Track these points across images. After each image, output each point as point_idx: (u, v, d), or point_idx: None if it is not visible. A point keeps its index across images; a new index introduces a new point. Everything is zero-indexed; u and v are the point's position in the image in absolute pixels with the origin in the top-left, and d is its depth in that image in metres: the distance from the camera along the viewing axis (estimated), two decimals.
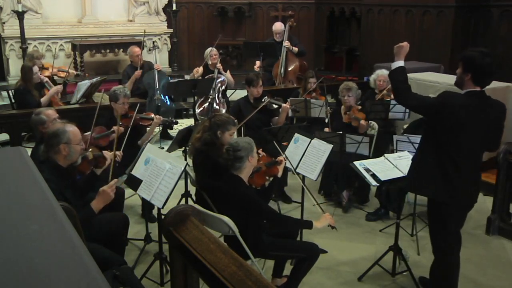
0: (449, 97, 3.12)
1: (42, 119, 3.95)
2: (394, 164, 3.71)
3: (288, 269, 3.70)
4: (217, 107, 6.52)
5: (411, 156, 3.69)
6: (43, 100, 5.81)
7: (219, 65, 6.68)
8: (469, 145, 3.12)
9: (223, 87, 6.68)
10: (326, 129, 5.37)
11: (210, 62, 6.82)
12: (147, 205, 4.30)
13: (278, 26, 7.59)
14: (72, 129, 3.30)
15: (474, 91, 3.07)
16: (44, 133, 3.86)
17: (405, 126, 5.30)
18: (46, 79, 6.24)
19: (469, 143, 3.11)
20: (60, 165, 3.21)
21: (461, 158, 3.11)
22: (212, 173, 3.92)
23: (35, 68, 5.87)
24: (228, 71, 6.90)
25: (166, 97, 6.81)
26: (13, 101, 6.42)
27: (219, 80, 6.59)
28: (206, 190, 3.86)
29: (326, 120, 5.75)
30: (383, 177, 3.61)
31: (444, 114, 3.07)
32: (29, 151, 4.89)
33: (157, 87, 6.64)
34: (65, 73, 6.78)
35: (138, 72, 6.67)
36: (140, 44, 7.18)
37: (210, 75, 6.66)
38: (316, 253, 3.45)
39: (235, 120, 4.22)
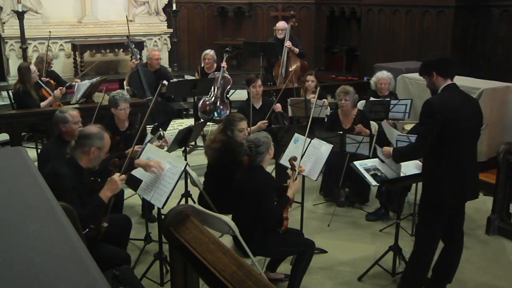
0: (434, 102, 3.20)
1: (66, 118, 3.93)
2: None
3: (288, 269, 3.71)
4: (221, 107, 6.53)
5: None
6: (42, 104, 5.79)
7: (223, 64, 6.69)
8: (467, 142, 3.24)
9: (228, 86, 6.68)
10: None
11: (203, 65, 6.83)
12: (147, 205, 4.30)
13: (281, 23, 7.68)
14: (107, 138, 3.34)
15: (449, 85, 3.22)
16: (65, 132, 3.93)
17: (405, 126, 5.29)
18: (47, 79, 6.23)
19: (466, 140, 3.24)
20: (80, 165, 3.24)
21: (464, 157, 3.23)
22: (229, 170, 3.91)
23: (32, 67, 5.84)
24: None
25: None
26: (13, 101, 6.41)
27: (223, 77, 6.58)
28: (220, 189, 3.90)
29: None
30: (384, 176, 3.63)
31: (444, 116, 3.13)
32: (29, 151, 4.90)
33: (146, 87, 6.52)
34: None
35: (133, 63, 6.63)
36: (142, 44, 7.11)
37: (216, 72, 6.67)
38: (313, 248, 3.56)
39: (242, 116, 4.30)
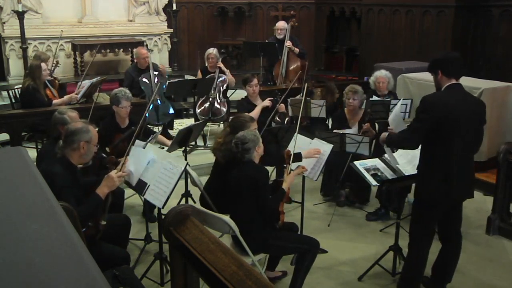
0: (429, 100, 3.23)
1: (65, 119, 3.88)
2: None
3: (289, 269, 3.70)
4: (218, 106, 6.51)
5: (409, 156, 3.70)
6: (55, 102, 5.78)
7: (220, 64, 6.67)
8: (463, 143, 3.22)
9: (224, 86, 6.67)
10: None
11: (206, 64, 6.83)
12: (147, 205, 4.30)
13: (281, 23, 7.68)
14: (94, 130, 3.31)
15: (451, 84, 3.24)
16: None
17: (406, 126, 5.27)
18: (52, 78, 6.23)
19: (464, 140, 3.21)
20: (72, 163, 3.21)
21: (459, 157, 3.22)
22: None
23: (43, 65, 5.84)
24: (227, 70, 6.89)
25: (166, 100, 6.70)
26: (13, 101, 6.40)
27: (220, 79, 6.58)
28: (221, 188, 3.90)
29: (327, 121, 5.76)
30: (384, 176, 3.63)
31: (439, 113, 3.15)
32: (29, 151, 4.89)
33: (153, 88, 6.54)
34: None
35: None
36: (142, 44, 7.12)
37: (211, 74, 6.65)
38: (317, 247, 3.54)
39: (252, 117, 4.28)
